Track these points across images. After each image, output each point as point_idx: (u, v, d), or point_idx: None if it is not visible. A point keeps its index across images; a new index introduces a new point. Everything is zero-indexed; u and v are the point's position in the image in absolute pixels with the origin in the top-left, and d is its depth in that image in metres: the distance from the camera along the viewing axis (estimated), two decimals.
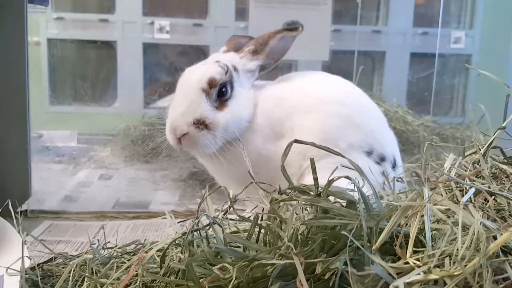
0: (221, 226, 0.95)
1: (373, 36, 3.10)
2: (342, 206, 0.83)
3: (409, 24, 3.08)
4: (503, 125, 1.13)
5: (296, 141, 0.91)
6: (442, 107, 3.18)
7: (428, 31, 3.06)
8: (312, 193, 0.86)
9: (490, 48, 3.03)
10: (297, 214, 0.87)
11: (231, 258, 0.83)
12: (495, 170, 1.08)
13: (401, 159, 1.53)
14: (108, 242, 1.21)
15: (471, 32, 3.12)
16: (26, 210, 1.88)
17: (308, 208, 0.90)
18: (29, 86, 1.82)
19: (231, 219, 1.06)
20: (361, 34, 2.99)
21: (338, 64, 2.91)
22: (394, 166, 1.46)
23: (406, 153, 2.18)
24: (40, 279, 1.00)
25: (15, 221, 1.13)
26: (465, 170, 1.07)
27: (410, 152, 2.26)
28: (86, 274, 0.98)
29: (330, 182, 0.85)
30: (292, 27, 1.44)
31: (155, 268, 0.96)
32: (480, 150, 1.12)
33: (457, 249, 0.71)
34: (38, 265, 1.10)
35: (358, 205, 0.80)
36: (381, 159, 1.43)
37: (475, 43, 3.11)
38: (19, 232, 1.10)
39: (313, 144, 0.91)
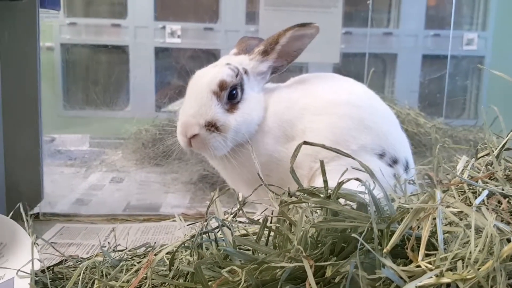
0: (230, 229, 0.94)
1: (385, 38, 3.09)
2: (353, 208, 0.82)
3: (420, 26, 3.06)
4: None
5: (306, 142, 0.90)
6: (454, 109, 3.14)
7: (440, 33, 3.03)
8: (322, 195, 0.85)
9: (503, 49, 3.00)
10: (306, 217, 0.86)
11: (240, 261, 0.82)
12: (509, 172, 1.06)
13: (413, 162, 1.51)
14: (119, 244, 1.21)
15: (484, 34, 3.09)
16: (38, 213, 1.90)
17: (318, 211, 0.90)
18: (41, 91, 1.84)
19: (240, 222, 1.05)
20: (372, 37, 2.97)
21: (349, 66, 2.90)
22: (406, 168, 1.44)
23: (418, 156, 2.16)
24: (50, 281, 1.01)
25: (26, 223, 1.14)
26: (478, 172, 1.06)
27: (422, 154, 2.24)
28: (96, 277, 0.98)
29: (340, 184, 0.84)
30: (303, 23, 1.41)
31: (165, 270, 0.95)
32: (493, 151, 1.10)
33: (470, 252, 0.69)
34: (48, 267, 1.11)
35: (368, 208, 0.79)
36: (394, 162, 1.41)
37: (487, 44, 3.07)
38: (29, 235, 1.11)
39: (323, 146, 0.90)
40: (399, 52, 3.07)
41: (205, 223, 0.95)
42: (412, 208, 0.76)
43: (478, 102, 3.15)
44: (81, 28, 3.03)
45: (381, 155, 1.40)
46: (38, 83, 1.81)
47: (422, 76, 3.02)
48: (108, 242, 1.25)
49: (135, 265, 1.02)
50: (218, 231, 0.95)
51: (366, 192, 0.81)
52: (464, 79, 3.14)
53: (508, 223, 0.82)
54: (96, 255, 1.14)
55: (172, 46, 2.99)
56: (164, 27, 2.96)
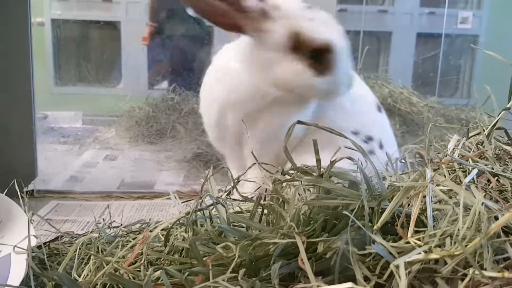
0: (224, 206, 0.96)
1: (379, 16, 3.07)
2: (344, 186, 0.83)
3: (416, 3, 3.04)
4: (508, 106, 1.12)
5: (299, 122, 0.91)
6: (447, 88, 3.15)
7: (435, 11, 3.02)
8: (314, 174, 0.86)
9: (497, 28, 2.99)
10: (299, 195, 0.87)
11: (234, 237, 0.84)
12: (499, 151, 1.08)
13: (395, 141, 1.53)
14: (114, 221, 1.22)
15: (479, 12, 3.07)
16: (32, 190, 1.90)
17: (310, 189, 0.91)
18: (33, 67, 1.82)
19: (234, 199, 1.06)
20: (367, 14, 2.95)
21: None
22: (381, 146, 1.46)
23: (411, 134, 2.18)
24: (47, 257, 1.02)
25: (21, 201, 1.15)
26: (469, 151, 1.07)
27: (414, 133, 2.26)
28: (92, 253, 0.99)
29: (333, 163, 0.85)
30: None
31: (160, 246, 0.97)
32: (484, 131, 1.11)
33: (458, 229, 0.71)
34: (44, 243, 1.12)
35: (360, 186, 0.81)
36: (368, 139, 1.44)
37: (482, 23, 3.07)
38: (25, 212, 1.12)
39: (316, 125, 0.91)
40: (394, 30, 3.06)
41: (200, 200, 0.97)
42: (402, 186, 0.77)
43: (471, 81, 3.16)
44: (72, 3, 2.98)
45: (355, 133, 1.42)
46: (30, 60, 1.79)
47: (416, 54, 3.02)
48: (103, 219, 1.26)
49: (130, 241, 1.03)
50: (213, 208, 0.96)
51: (358, 170, 0.83)
52: (457, 58, 3.14)
53: (496, 201, 0.84)
54: (91, 231, 1.15)
55: None
56: None
